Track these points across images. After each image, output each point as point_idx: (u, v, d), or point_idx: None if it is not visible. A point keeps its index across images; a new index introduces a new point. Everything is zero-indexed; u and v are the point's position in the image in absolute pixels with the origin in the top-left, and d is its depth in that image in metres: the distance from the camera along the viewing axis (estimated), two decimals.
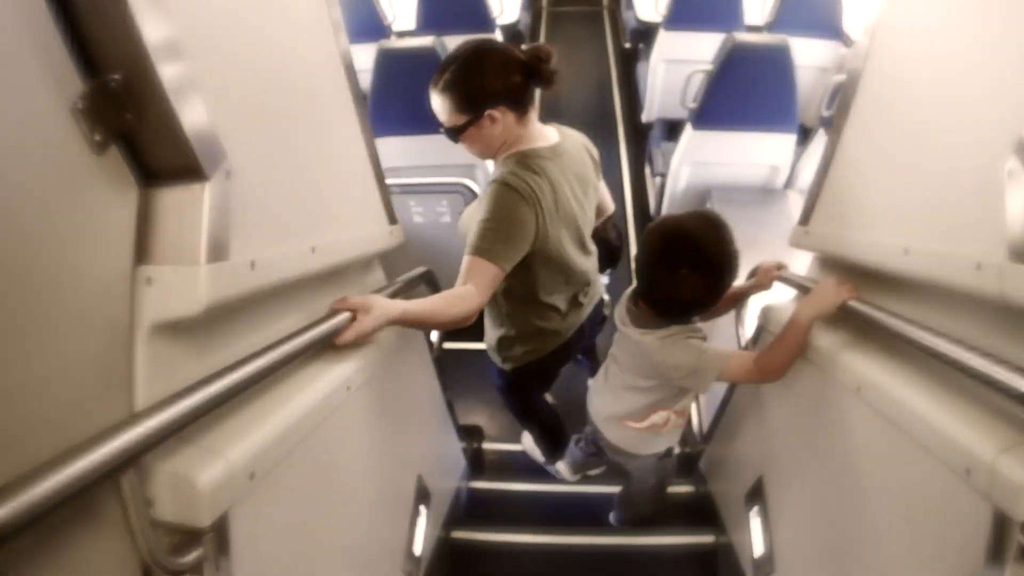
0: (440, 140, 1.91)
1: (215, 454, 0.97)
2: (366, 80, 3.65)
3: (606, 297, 2.50)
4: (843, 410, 1.53)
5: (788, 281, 1.93)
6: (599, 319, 2.46)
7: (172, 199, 0.95)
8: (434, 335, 2.36)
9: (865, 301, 1.48)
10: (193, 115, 0.92)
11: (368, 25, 4.80)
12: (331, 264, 1.44)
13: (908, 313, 1.31)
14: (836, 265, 1.76)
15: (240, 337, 1.17)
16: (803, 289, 1.84)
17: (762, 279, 2.00)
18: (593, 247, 2.17)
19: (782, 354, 1.65)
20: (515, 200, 1.72)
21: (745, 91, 3.48)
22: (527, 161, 1.79)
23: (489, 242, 1.68)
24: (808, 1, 4.55)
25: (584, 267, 2.09)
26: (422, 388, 2.25)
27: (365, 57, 3.59)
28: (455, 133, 1.81)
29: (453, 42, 3.55)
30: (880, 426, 1.32)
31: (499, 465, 3.30)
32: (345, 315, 1.37)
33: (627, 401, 1.97)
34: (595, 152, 2.10)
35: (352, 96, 1.59)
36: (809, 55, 4.28)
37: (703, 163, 3.81)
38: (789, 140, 3.62)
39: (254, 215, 1.12)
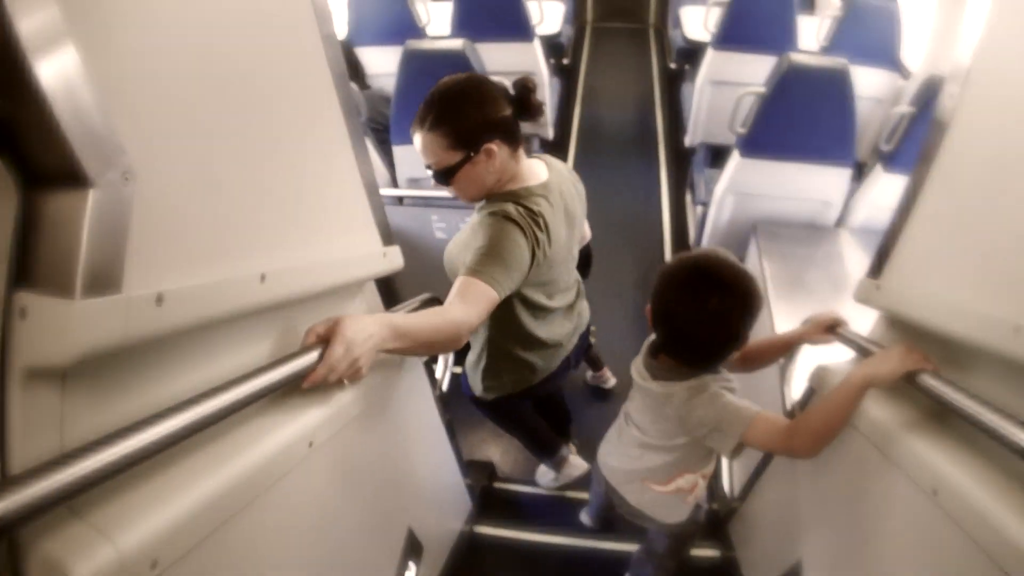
0: None
1: (104, 536, 0.76)
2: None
3: (592, 327, 2.45)
4: (911, 512, 1.29)
5: (846, 340, 1.68)
6: (584, 348, 2.39)
7: (52, 208, 0.74)
8: (438, 367, 2.14)
9: (943, 378, 1.25)
10: (74, 102, 0.70)
11: (401, 26, 4.59)
12: (290, 294, 1.19)
13: (1003, 403, 1.08)
14: (912, 331, 1.49)
15: (169, 379, 0.95)
16: (863, 352, 1.59)
17: (814, 332, 1.79)
18: (578, 276, 2.19)
19: (823, 421, 1.45)
20: (515, 232, 1.65)
21: (799, 117, 3.20)
22: (523, 201, 1.71)
23: (488, 266, 1.59)
24: (866, 28, 4.28)
25: (571, 300, 2.10)
26: (417, 425, 2.01)
27: (395, 59, 3.44)
28: (447, 175, 1.72)
29: (487, 50, 3.41)
30: (963, 545, 1.08)
31: (511, 507, 3.05)
32: (311, 355, 1.14)
33: (648, 460, 1.79)
34: (581, 187, 2.07)
35: (339, 101, 1.35)
36: (864, 84, 3.94)
37: (749, 194, 3.53)
38: (844, 174, 3.33)
39: (172, 233, 0.89)
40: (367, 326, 1.22)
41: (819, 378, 1.76)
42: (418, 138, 1.70)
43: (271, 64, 1.15)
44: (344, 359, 1.16)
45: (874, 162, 3.43)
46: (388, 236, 1.60)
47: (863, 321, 1.75)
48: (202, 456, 0.98)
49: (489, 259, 1.60)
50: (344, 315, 1.20)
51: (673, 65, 6.58)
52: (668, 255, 4.64)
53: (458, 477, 2.47)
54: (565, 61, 6.63)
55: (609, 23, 8.29)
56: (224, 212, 1.02)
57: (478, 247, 1.62)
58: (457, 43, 3.31)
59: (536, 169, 1.86)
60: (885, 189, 3.28)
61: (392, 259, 1.62)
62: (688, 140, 5.02)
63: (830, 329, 1.75)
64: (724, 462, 3.14)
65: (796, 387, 1.99)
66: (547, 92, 4.72)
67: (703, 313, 1.47)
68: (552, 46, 5.84)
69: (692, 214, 4.43)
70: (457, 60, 3.24)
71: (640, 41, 7.87)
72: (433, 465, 2.22)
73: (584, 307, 2.27)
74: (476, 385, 2.21)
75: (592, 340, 2.47)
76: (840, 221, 3.52)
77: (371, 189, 1.51)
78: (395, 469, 1.83)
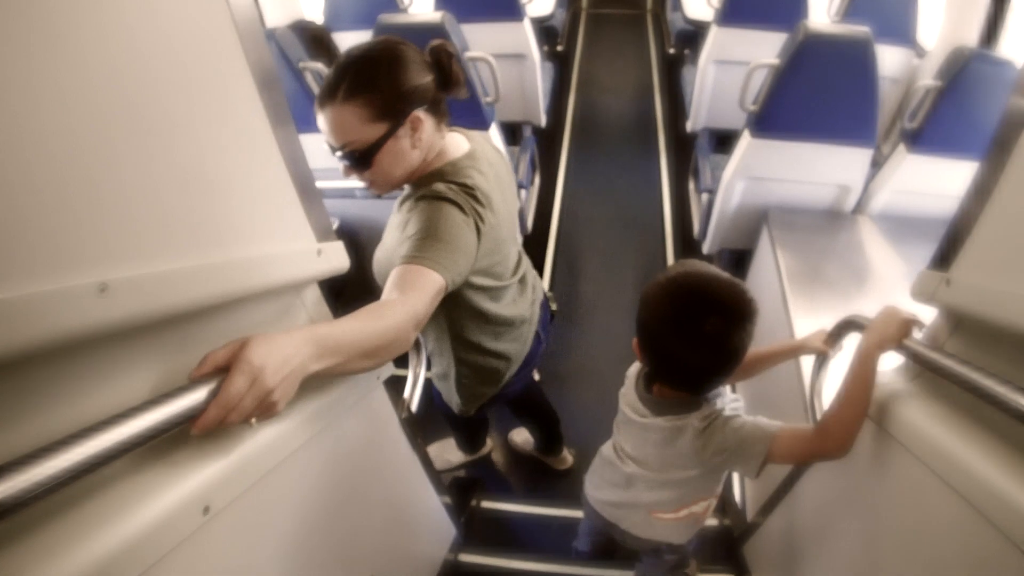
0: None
1: None
2: None
3: (549, 293, 2.28)
4: (976, 544, 1.08)
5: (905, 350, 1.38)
6: (548, 319, 2.22)
7: None
8: (407, 384, 1.80)
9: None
10: None
11: (382, 10, 4.24)
12: (154, 310, 0.84)
13: None
14: (987, 334, 1.23)
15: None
16: (919, 360, 1.32)
17: (814, 340, 1.71)
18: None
19: (853, 408, 1.35)
20: (452, 211, 1.46)
21: (817, 93, 2.87)
22: (452, 177, 1.54)
23: (426, 249, 1.38)
24: (881, 3, 3.96)
25: (522, 271, 1.93)
26: (379, 460, 1.69)
27: None
28: (367, 155, 1.49)
29: (473, 31, 3.07)
30: None
31: (501, 530, 2.78)
32: (200, 392, 0.82)
33: (655, 495, 1.65)
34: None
35: (252, 72, 1.03)
36: (879, 62, 3.66)
37: (760, 178, 3.20)
38: (865, 156, 3.01)
39: None
40: (282, 347, 0.91)
41: None
42: (327, 115, 1.46)
43: (160, 56, 0.84)
44: (251, 394, 0.86)
45: (895, 143, 3.11)
46: (326, 231, 1.28)
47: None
48: (46, 534, 0.70)
49: (426, 242, 1.39)
50: (253, 335, 0.90)
51: (672, 50, 6.29)
52: (670, 249, 4.37)
53: (437, 504, 2.17)
54: (559, 48, 6.37)
55: (605, 9, 8.00)
56: (40, 205, 0.69)
57: (411, 235, 1.41)
58: (436, 16, 2.98)
59: (456, 141, 1.68)
60: (910, 172, 2.98)
61: (331, 258, 1.29)
62: (690, 125, 4.68)
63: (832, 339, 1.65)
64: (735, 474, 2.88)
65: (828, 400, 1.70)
66: (539, 77, 4.40)
67: (699, 339, 1.32)
68: (545, 31, 5.58)
69: (696, 203, 4.09)
70: (436, 35, 2.87)
71: (637, 27, 7.58)
72: (403, 501, 1.92)
73: (533, 272, 2.06)
74: (453, 402, 2.04)
75: (553, 307, 2.25)
76: (858, 207, 3.21)
77: (302, 181, 1.19)
78: (348, 518, 1.52)
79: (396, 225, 1.57)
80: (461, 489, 2.79)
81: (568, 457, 3.05)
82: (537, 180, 4.45)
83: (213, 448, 0.93)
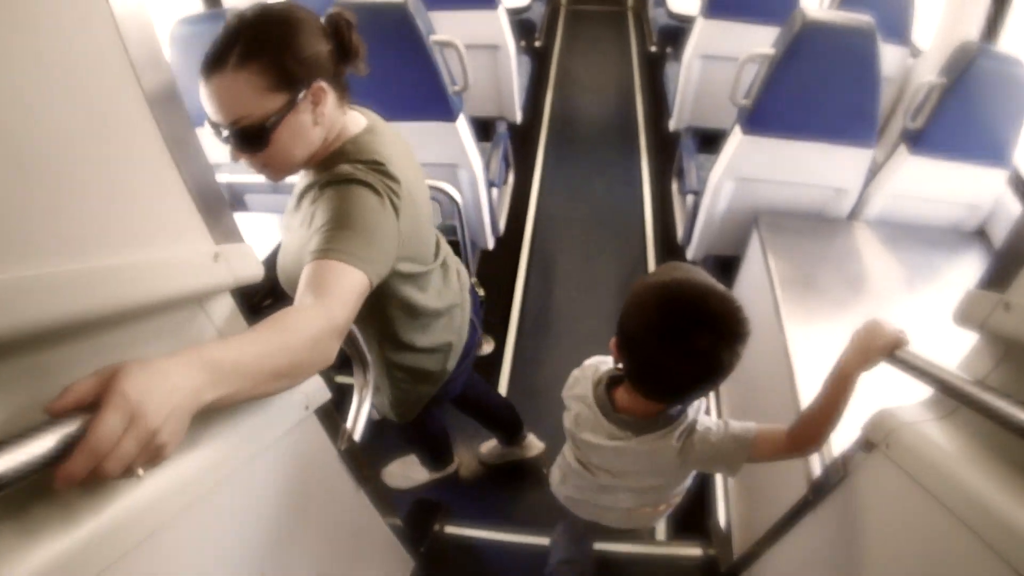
0: (414, 131, 1.56)
1: None
2: None
3: (473, 279, 2.12)
4: None
5: (926, 375, 1.21)
6: (479, 305, 2.10)
7: None
8: (351, 410, 1.55)
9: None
10: None
11: None
12: None
13: None
14: None
15: None
16: (948, 390, 1.16)
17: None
18: None
19: (828, 419, 1.33)
20: (364, 195, 1.29)
21: (815, 87, 2.64)
22: (357, 156, 1.36)
23: (341, 241, 1.21)
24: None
25: (446, 252, 1.82)
26: (308, 493, 1.43)
27: None
28: (264, 131, 1.27)
29: (442, 19, 2.77)
30: None
31: (465, 559, 2.54)
32: (60, 432, 0.63)
33: (637, 498, 1.67)
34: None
35: (123, 48, 0.79)
36: None
37: (751, 179, 2.97)
38: (864, 157, 2.78)
39: None
40: (166, 374, 0.72)
41: (880, 429, 1.29)
42: (213, 87, 1.24)
43: None
44: (129, 436, 0.66)
45: (894, 144, 2.89)
46: (227, 232, 1.02)
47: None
48: None
49: (340, 233, 1.22)
50: (128, 361, 0.70)
51: (654, 48, 6.11)
52: (651, 254, 4.15)
53: (387, 537, 1.92)
54: (537, 43, 6.18)
55: (585, 6, 7.80)
56: None
57: (320, 227, 1.22)
58: None
59: (355, 118, 1.48)
60: (911, 175, 2.75)
61: (235, 264, 1.02)
62: (673, 124, 4.45)
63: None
64: (719, 495, 2.75)
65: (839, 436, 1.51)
66: (514, 70, 4.16)
67: (688, 354, 1.23)
68: (522, 24, 5.34)
69: (680, 206, 3.86)
70: (398, 20, 2.62)
71: (618, 24, 7.39)
72: (346, 538, 1.67)
73: (453, 256, 1.91)
74: (390, 413, 1.93)
75: (480, 293, 2.11)
76: (854, 211, 2.98)
77: (194, 171, 0.93)
78: (280, 566, 1.29)
79: (300, 223, 1.38)
80: (421, 514, 2.54)
81: (536, 442, 2.93)
82: (511, 179, 4.21)
83: (83, 505, 0.75)
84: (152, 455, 0.70)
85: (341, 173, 1.30)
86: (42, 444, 0.62)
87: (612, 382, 1.52)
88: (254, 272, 1.06)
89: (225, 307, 1.05)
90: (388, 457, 2.99)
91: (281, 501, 1.28)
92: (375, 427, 2.93)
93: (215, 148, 1.26)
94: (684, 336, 1.21)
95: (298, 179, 1.54)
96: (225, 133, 1.28)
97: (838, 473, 1.48)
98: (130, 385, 0.67)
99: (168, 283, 0.88)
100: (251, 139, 1.28)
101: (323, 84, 1.31)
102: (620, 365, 1.39)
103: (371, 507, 1.71)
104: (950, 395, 1.15)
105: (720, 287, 1.26)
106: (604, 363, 1.58)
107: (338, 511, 1.59)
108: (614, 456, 1.52)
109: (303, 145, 1.35)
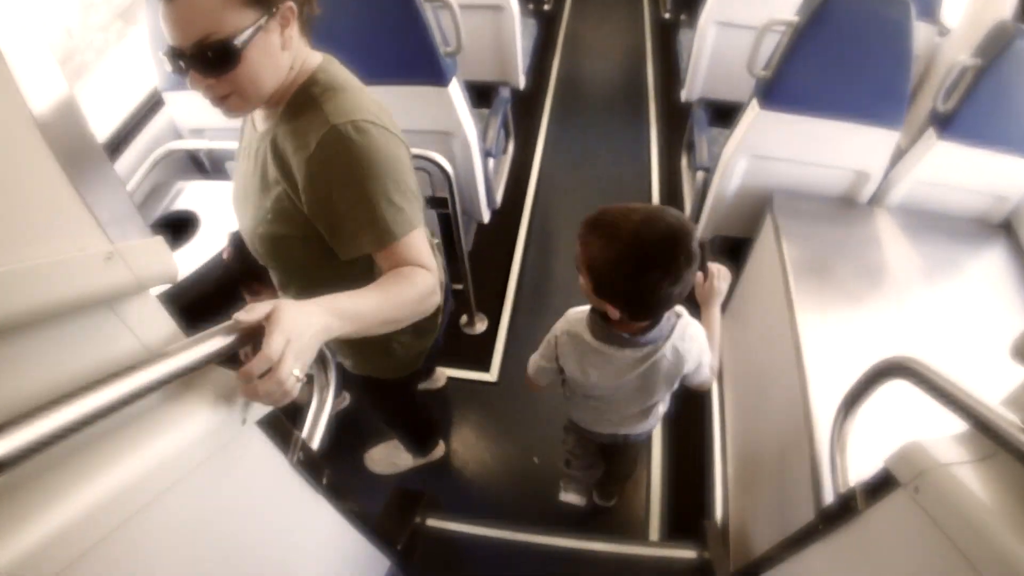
0: (401, 95, 1.64)
1: None
2: None
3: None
4: None
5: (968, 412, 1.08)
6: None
7: None
8: (307, 416, 1.43)
9: None
10: None
11: None
12: None
13: None
14: None
15: None
16: (988, 431, 1.03)
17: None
18: None
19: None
20: (387, 138, 1.31)
21: (841, 60, 2.42)
22: (335, 81, 1.34)
23: (394, 215, 1.30)
24: None
25: None
26: (257, 508, 1.28)
27: None
28: (233, 53, 1.17)
29: None
30: None
31: (450, 555, 2.42)
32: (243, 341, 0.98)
33: (654, 413, 1.94)
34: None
35: None
36: None
37: (767, 157, 2.76)
38: (890, 139, 2.57)
39: None
40: (309, 314, 1.04)
41: (910, 467, 1.14)
42: (175, 3, 1.12)
43: None
44: (290, 351, 0.97)
45: (921, 127, 2.67)
46: (126, 225, 0.85)
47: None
48: None
49: (397, 197, 1.30)
50: (283, 301, 1.01)
51: (667, 14, 5.89)
52: None
53: (357, 539, 1.77)
54: (546, 7, 5.97)
55: None
56: None
57: (367, 192, 1.27)
58: None
59: (312, 53, 1.39)
60: (938, 161, 2.54)
61: (136, 263, 0.85)
62: (684, 95, 4.18)
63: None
64: (718, 493, 2.68)
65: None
66: (518, 32, 3.92)
67: (678, 282, 1.41)
68: None
69: (689, 181, 3.66)
70: None
71: None
72: (309, 548, 1.53)
73: None
74: (390, 368, 1.89)
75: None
76: (875, 197, 2.78)
77: (72, 147, 0.76)
78: None
79: (260, 183, 1.40)
80: (401, 505, 2.39)
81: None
82: (511, 148, 3.99)
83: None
84: (303, 364, 1.00)
85: (348, 113, 1.27)
86: (228, 343, 0.94)
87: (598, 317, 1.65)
88: (162, 271, 0.90)
89: (143, 309, 0.90)
90: (371, 441, 2.86)
91: (230, 517, 1.16)
92: (352, 411, 2.80)
93: (194, 111, 1.21)
94: (670, 266, 1.38)
95: (248, 126, 1.49)
96: (187, 56, 1.16)
97: (853, 507, 1.32)
98: (287, 317, 0.98)
99: (49, 290, 0.72)
100: (219, 59, 1.17)
101: (292, 4, 1.24)
102: (605, 309, 1.52)
103: (335, 513, 1.55)
104: (992, 438, 1.01)
105: (668, 209, 1.43)
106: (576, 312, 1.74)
107: (301, 520, 1.46)
108: (615, 375, 1.70)
109: (272, 69, 1.26)
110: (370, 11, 2.30)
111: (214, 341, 0.92)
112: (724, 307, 1.98)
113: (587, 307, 1.69)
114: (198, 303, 1.94)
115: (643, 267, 1.38)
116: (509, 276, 3.74)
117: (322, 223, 1.34)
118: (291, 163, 1.30)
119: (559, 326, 1.76)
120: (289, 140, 1.30)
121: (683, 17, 5.06)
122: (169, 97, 2.82)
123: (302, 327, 0.99)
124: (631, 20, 6.41)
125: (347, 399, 2.98)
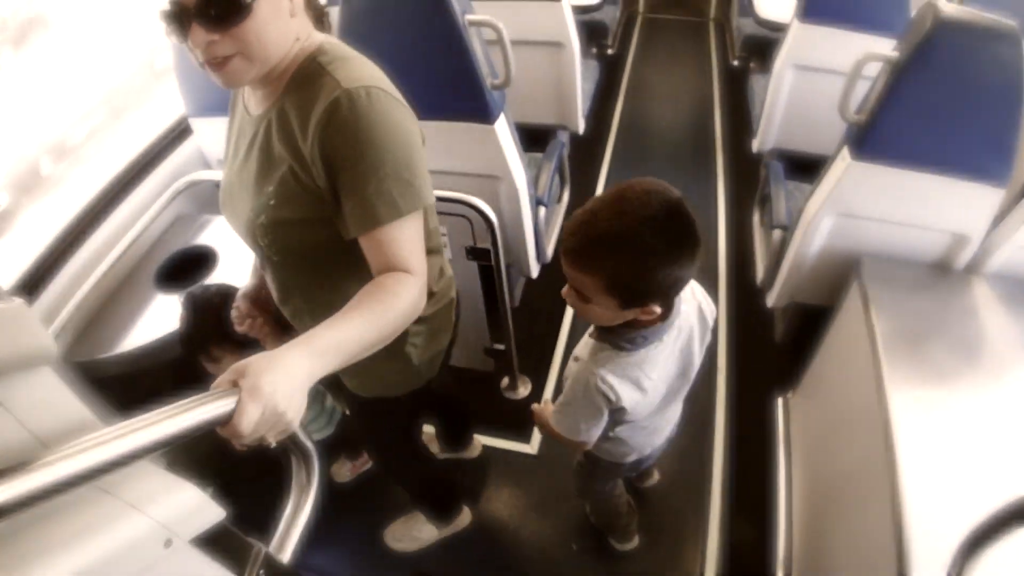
0: (441, 131, 1.70)
1: None
2: None
3: None
4: None
5: None
6: None
7: None
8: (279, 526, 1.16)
9: None
10: None
11: None
12: None
13: None
14: None
15: None
16: None
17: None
18: None
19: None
20: (400, 109, 1.28)
21: (946, 104, 2.10)
22: (338, 51, 1.30)
23: (384, 195, 1.22)
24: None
25: None
26: None
27: None
28: (237, 3, 1.10)
29: (494, 9, 2.63)
30: None
31: None
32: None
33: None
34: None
35: None
36: None
37: (856, 216, 2.42)
38: (994, 197, 2.22)
39: None
40: (288, 366, 0.95)
41: None
42: None
43: None
44: (265, 420, 0.91)
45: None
46: None
47: None
48: None
49: (374, 183, 1.22)
50: (256, 357, 0.94)
51: (736, 62, 5.64)
52: (723, 295, 3.70)
53: None
54: (610, 51, 5.82)
55: (663, 14, 7.29)
56: None
57: (370, 161, 1.21)
58: None
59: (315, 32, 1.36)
60: None
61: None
62: (756, 145, 3.89)
63: None
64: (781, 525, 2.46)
65: None
66: (578, 73, 3.70)
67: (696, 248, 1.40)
68: (592, 27, 4.95)
69: (762, 240, 3.33)
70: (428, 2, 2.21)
71: (698, 35, 6.88)
72: None
73: None
74: (395, 380, 1.74)
75: None
76: (971, 265, 2.41)
77: None
78: None
79: (257, 170, 1.34)
80: None
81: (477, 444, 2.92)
82: (566, 196, 3.71)
83: None
84: (281, 430, 0.95)
85: (357, 78, 1.23)
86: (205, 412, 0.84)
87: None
88: (42, 346, 0.72)
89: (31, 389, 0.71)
90: (390, 516, 2.68)
91: None
92: (373, 481, 2.59)
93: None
94: (692, 228, 1.36)
95: (238, 119, 1.43)
96: (191, 8, 1.10)
97: None
98: (264, 381, 0.90)
99: None
100: (228, 9, 1.11)
101: None
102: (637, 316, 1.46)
103: None
104: None
105: (646, 184, 1.38)
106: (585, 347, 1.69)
107: None
108: (667, 358, 1.65)
109: (280, 33, 1.21)
110: (409, 32, 2.11)
111: (150, 431, 0.76)
112: (795, 387, 2.05)
113: (589, 343, 1.66)
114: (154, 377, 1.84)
115: (674, 246, 1.36)
116: (559, 338, 3.48)
117: (339, 193, 1.27)
118: (298, 134, 1.24)
119: (590, 376, 1.60)
120: (296, 110, 1.25)
121: (753, 64, 4.88)
122: (196, 124, 2.70)
123: (281, 390, 0.92)
124: (698, 66, 6.23)
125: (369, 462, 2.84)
